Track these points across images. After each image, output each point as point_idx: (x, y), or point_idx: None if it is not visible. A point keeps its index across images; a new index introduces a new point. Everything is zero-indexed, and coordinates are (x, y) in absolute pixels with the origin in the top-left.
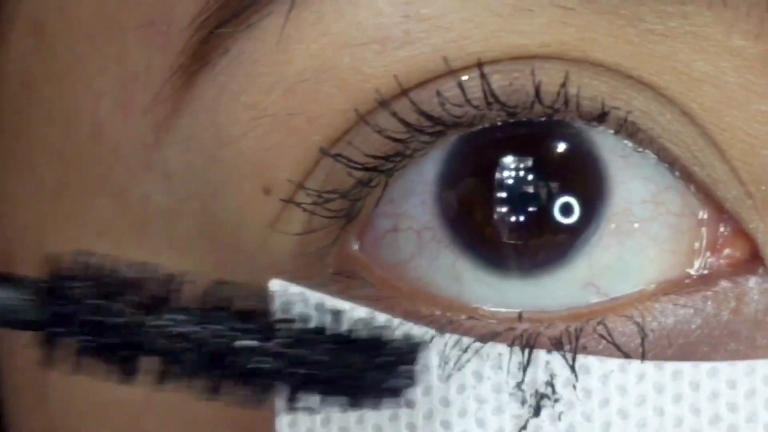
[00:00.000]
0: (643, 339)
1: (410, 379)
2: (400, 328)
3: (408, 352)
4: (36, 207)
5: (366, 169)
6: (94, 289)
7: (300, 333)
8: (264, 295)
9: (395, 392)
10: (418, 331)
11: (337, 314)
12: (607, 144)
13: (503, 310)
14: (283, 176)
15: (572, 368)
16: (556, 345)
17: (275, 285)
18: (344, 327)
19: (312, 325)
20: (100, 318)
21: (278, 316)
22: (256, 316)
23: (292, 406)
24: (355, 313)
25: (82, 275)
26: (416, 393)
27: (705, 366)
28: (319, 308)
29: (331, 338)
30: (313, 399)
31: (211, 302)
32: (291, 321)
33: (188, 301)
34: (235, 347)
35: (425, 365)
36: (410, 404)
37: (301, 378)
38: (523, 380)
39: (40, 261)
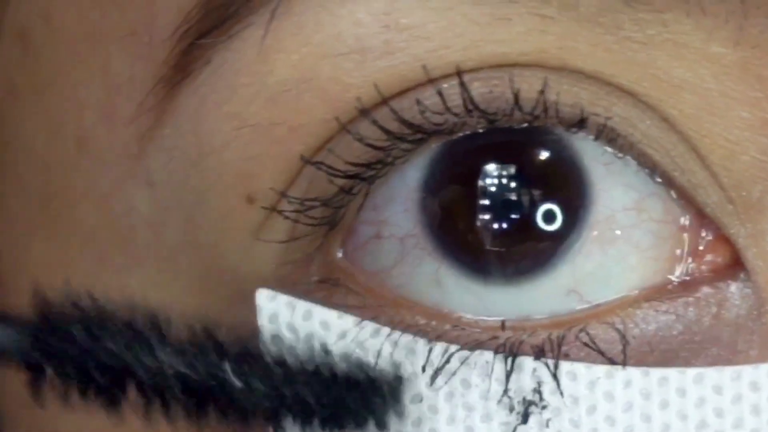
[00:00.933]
0: (624, 346)
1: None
2: (384, 356)
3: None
4: (23, 216)
5: (347, 176)
6: (82, 330)
7: (286, 372)
8: (254, 335)
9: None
10: (404, 339)
11: (326, 352)
12: (588, 151)
13: (486, 318)
14: (266, 185)
15: (554, 376)
16: (539, 353)
17: (262, 294)
18: (330, 362)
19: (299, 359)
20: (89, 358)
21: (267, 356)
22: (245, 355)
23: None
24: (342, 322)
25: (70, 314)
26: (405, 400)
27: (691, 372)
28: (307, 317)
29: (317, 378)
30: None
31: (199, 340)
32: (282, 361)
33: (176, 338)
34: (224, 387)
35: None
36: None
37: (289, 414)
38: (507, 388)
39: (29, 275)
